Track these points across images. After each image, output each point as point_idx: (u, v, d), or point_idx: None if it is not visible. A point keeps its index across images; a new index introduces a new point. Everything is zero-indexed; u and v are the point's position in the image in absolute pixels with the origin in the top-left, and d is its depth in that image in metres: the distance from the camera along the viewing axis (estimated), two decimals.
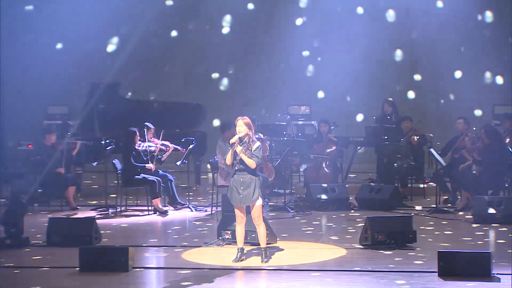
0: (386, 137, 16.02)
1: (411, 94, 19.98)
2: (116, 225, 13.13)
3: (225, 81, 20.56)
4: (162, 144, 14.61)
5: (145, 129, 14.50)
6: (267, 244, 10.38)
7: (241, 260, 10.25)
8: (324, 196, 14.28)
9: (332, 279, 9.40)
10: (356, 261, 10.26)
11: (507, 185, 14.05)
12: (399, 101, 17.90)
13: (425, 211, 13.98)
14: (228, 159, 10.18)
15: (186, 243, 11.46)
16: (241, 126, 10.19)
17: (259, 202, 10.17)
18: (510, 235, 11.69)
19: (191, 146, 14.54)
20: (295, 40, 20.13)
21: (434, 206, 14.10)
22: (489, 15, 19.69)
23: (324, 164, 15.80)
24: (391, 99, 17.24)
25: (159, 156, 14.58)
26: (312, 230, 12.48)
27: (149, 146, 14.42)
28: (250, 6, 20.44)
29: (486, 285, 9.00)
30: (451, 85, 19.62)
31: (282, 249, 10.94)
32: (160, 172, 14.56)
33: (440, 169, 14.45)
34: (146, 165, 14.16)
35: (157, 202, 14.14)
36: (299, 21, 20.17)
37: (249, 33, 20.34)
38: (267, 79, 20.24)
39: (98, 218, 13.05)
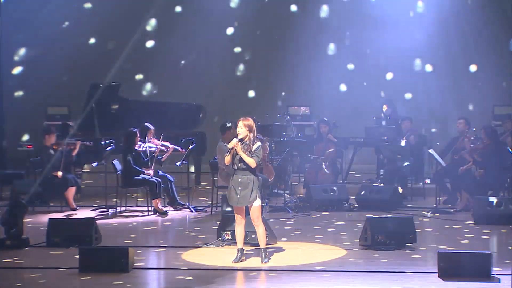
0: (386, 138, 15.99)
1: (407, 95, 20.09)
2: (116, 226, 13.13)
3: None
4: (162, 145, 14.61)
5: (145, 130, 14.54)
6: (266, 244, 10.36)
7: (241, 261, 10.23)
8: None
9: (332, 280, 9.38)
10: (356, 262, 10.26)
11: (506, 185, 14.03)
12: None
13: (425, 212, 13.99)
14: (227, 159, 10.17)
15: (186, 244, 11.45)
16: (241, 127, 10.17)
17: (258, 202, 10.14)
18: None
19: (191, 147, 14.55)
20: (296, 40, 20.23)
21: (434, 206, 14.10)
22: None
23: (324, 165, 15.80)
24: (390, 99, 17.24)
25: (159, 157, 14.58)
26: (312, 231, 12.46)
27: (149, 147, 14.42)
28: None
29: (486, 285, 9.00)
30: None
31: (282, 250, 10.94)
32: (160, 172, 14.58)
33: (440, 170, 14.46)
34: (145, 170, 14.16)
35: (157, 202, 14.15)
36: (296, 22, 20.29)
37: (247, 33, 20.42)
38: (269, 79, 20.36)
39: (98, 219, 13.06)
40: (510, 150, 14.14)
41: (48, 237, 11.38)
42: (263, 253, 10.19)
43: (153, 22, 20.50)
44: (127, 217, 13.98)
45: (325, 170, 15.79)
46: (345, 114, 19.02)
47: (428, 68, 19.95)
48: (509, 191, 14.10)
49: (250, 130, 10.16)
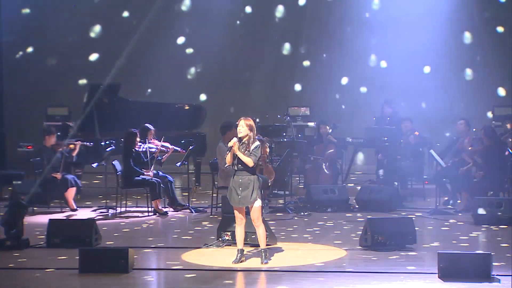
0: (386, 138, 16.05)
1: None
2: (116, 227, 13.12)
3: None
4: (162, 146, 14.62)
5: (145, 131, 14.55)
6: (267, 245, 10.36)
7: (241, 262, 10.20)
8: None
9: (332, 281, 9.38)
10: (356, 263, 10.26)
11: (506, 186, 14.03)
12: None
13: (425, 212, 14.00)
14: (228, 159, 10.17)
15: (186, 244, 11.47)
16: (242, 126, 10.17)
17: (258, 203, 10.13)
18: None
19: (191, 148, 14.56)
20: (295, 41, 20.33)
21: (434, 207, 14.12)
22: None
23: (324, 166, 15.80)
24: (391, 100, 17.26)
25: (159, 158, 14.59)
26: (312, 231, 12.47)
27: (150, 148, 14.43)
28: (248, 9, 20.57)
29: (486, 286, 9.00)
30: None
31: (282, 250, 10.95)
32: (160, 173, 14.59)
33: (440, 171, 14.47)
34: (145, 172, 14.17)
35: (157, 203, 14.16)
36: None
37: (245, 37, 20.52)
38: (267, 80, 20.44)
39: (98, 220, 13.09)
40: (510, 150, 14.14)
41: (48, 238, 11.38)
42: (263, 254, 10.19)
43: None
44: (127, 217, 13.98)
45: (325, 170, 15.79)
46: (345, 115, 19.09)
47: (426, 69, 19.99)
48: (509, 192, 14.09)
49: (250, 129, 10.16)
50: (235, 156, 10.12)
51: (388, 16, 19.33)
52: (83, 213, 14.30)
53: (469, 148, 14.26)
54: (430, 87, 19.31)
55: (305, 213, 14.07)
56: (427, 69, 19.86)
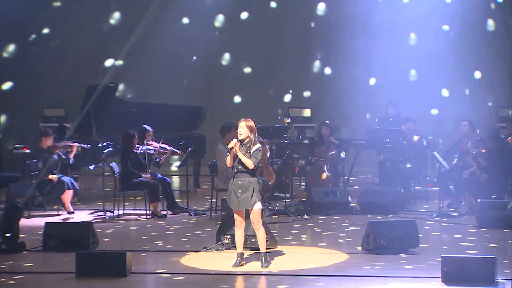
0: (388, 140, 16.05)
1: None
2: (114, 230, 13.14)
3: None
4: (161, 147, 14.61)
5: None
6: (267, 249, 10.37)
7: (241, 265, 10.18)
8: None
9: (333, 285, 9.39)
10: (358, 266, 10.23)
11: (511, 189, 14.03)
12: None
13: (428, 215, 13.99)
14: (228, 161, 10.14)
15: (185, 248, 11.49)
16: (243, 128, 10.14)
17: (258, 206, 10.10)
18: None
19: (189, 149, 14.57)
20: (298, 41, 20.39)
21: (437, 210, 14.12)
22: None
23: (325, 168, 15.81)
24: (395, 101, 17.24)
25: (157, 159, 14.60)
26: (313, 234, 12.50)
27: (148, 150, 14.42)
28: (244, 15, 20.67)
29: None
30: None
31: (283, 254, 10.95)
32: (158, 175, 14.61)
33: (443, 173, 14.44)
34: (143, 175, 14.18)
35: (156, 206, 14.17)
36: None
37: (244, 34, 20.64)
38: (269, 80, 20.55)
39: (95, 223, 13.08)
40: None
41: (44, 241, 11.37)
42: (263, 258, 10.17)
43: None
44: (125, 220, 14.00)
45: (327, 172, 15.78)
46: (346, 116, 19.11)
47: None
48: None
49: (251, 131, 10.13)
50: (235, 158, 10.09)
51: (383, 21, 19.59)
52: (80, 216, 14.27)
53: (473, 152, 14.23)
54: None
55: (306, 216, 14.03)
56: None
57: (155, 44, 20.18)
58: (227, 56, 20.69)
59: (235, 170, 10.18)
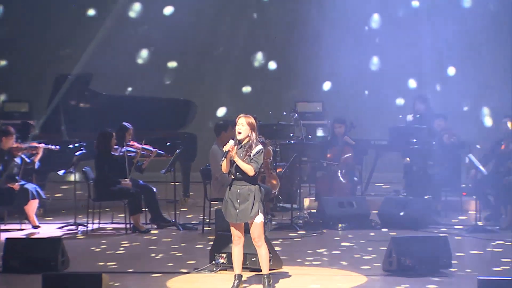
0: (415, 140, 16.05)
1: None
2: (88, 247, 13.09)
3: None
4: (143, 149, 14.64)
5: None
6: (270, 270, 10.30)
7: None
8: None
9: None
10: None
11: None
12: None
13: (463, 230, 14.01)
14: (224, 166, 10.12)
15: (172, 269, 11.45)
16: (243, 125, 10.07)
17: (260, 218, 10.01)
18: None
19: (178, 151, 14.55)
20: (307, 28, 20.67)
21: (473, 224, 14.12)
22: None
23: (339, 173, 15.83)
24: (424, 95, 17.28)
25: (139, 163, 14.61)
26: (325, 253, 12.48)
27: (128, 151, 14.44)
28: None
29: None
30: None
31: (289, 276, 10.93)
32: (141, 182, 14.61)
33: (480, 179, 14.47)
34: (122, 182, 14.20)
35: (138, 218, 14.20)
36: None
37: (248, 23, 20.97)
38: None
39: (66, 239, 12.97)
40: None
41: (4, 260, 11.32)
42: (265, 280, 10.13)
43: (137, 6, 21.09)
44: (101, 236, 13.98)
45: (341, 179, 15.81)
46: (365, 112, 19.12)
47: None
48: None
49: (252, 129, 10.09)
50: (232, 163, 10.09)
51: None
52: (48, 231, 14.26)
53: None
54: None
55: (317, 231, 14.05)
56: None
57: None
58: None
59: (232, 177, 10.17)
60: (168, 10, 21.18)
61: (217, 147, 13.48)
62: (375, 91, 20.65)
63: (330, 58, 19.91)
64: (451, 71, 20.67)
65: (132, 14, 21.17)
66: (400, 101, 20.58)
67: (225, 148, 10.04)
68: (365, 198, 15.37)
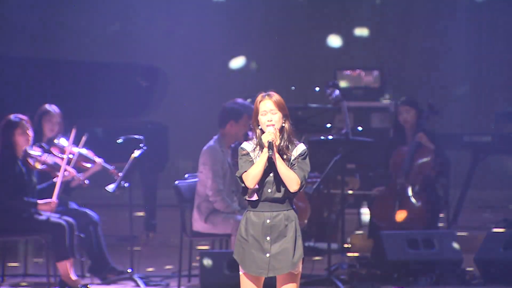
0: None
1: None
2: None
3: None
4: (80, 154, 14.39)
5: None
6: None
7: None
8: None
9: None
10: None
11: None
12: None
13: None
14: (257, 174, 9.52)
15: None
16: (272, 112, 9.55)
17: (299, 268, 9.64)
18: None
19: (136, 154, 14.09)
20: None
21: None
22: None
23: (410, 191, 15.62)
24: None
25: (72, 179, 14.34)
26: None
27: (48, 155, 13.92)
28: None
29: None
30: None
31: None
32: (74, 206, 14.68)
33: None
34: (39, 201, 13.80)
35: (67, 267, 13.97)
36: None
37: None
38: None
39: None
40: None
41: None
42: None
43: None
44: None
45: (412, 200, 15.83)
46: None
47: None
48: None
49: (285, 116, 9.55)
50: (266, 171, 9.56)
51: None
52: None
53: None
54: None
55: None
56: None
57: None
58: None
59: (256, 197, 9.57)
60: None
61: (217, 147, 13.82)
62: None
63: None
64: None
65: None
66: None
67: (266, 138, 9.46)
68: (455, 233, 15.19)
